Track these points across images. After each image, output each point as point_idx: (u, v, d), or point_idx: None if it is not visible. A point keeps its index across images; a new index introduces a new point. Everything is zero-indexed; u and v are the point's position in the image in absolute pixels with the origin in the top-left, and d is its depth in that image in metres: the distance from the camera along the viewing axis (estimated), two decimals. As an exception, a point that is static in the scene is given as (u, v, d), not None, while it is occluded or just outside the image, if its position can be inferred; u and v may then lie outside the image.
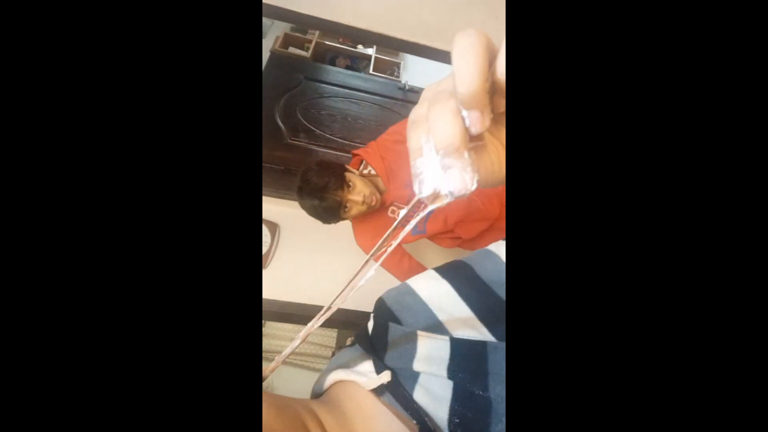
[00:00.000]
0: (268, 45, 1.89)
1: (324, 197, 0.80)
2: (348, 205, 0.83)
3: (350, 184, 0.83)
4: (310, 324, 0.30)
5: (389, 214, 0.91)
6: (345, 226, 0.99)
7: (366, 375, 0.35)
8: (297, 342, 0.30)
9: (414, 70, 2.06)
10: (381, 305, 0.41)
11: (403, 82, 1.80)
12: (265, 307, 1.00)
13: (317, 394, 0.39)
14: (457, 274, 0.40)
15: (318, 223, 0.86)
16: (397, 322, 0.38)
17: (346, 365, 0.38)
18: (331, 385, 0.38)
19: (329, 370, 0.39)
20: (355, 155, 0.92)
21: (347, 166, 0.89)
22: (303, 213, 0.84)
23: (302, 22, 0.75)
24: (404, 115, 1.63)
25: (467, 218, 0.91)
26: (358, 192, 0.82)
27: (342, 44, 1.96)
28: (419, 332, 0.37)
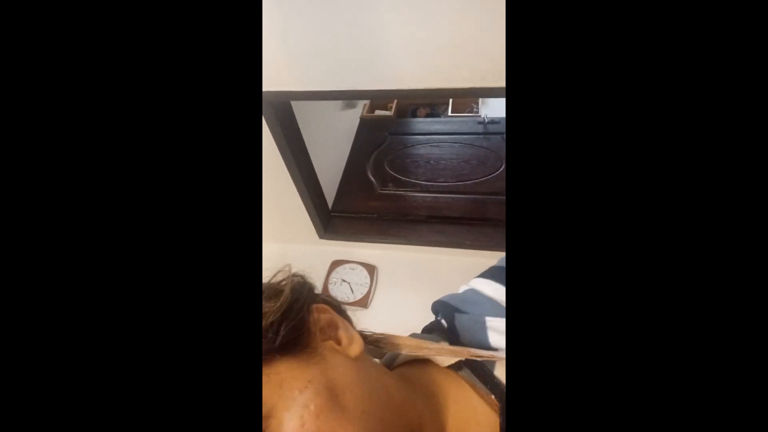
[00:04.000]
0: (358, 113, 2.15)
1: None
2: None
3: None
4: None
5: None
6: (436, 268, 1.05)
7: None
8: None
9: (493, 103, 2.10)
10: (441, 304, 0.43)
11: (482, 116, 1.85)
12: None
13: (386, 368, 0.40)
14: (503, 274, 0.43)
15: (412, 265, 0.92)
16: (462, 313, 0.40)
17: None
18: (402, 363, 0.40)
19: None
20: None
21: None
22: (397, 255, 0.92)
23: (370, 97, 0.87)
24: (485, 147, 1.67)
25: None
26: None
27: (422, 96, 2.12)
28: (487, 318, 0.38)
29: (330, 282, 1.28)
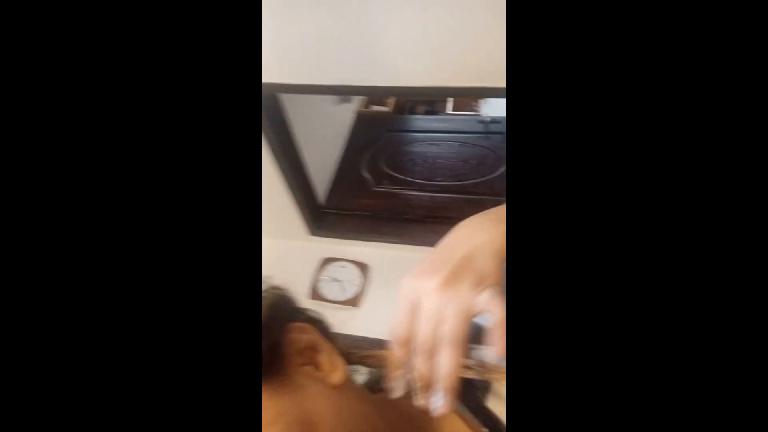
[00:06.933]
0: (354, 107, 2.11)
1: None
2: None
3: None
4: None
5: None
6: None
7: None
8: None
9: (495, 102, 2.07)
10: None
11: (483, 115, 1.82)
12: (355, 343, 1.09)
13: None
14: None
15: (406, 265, 0.90)
16: None
17: None
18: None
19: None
20: None
21: None
22: (391, 254, 0.89)
23: (365, 93, 0.84)
24: (485, 146, 1.64)
25: None
26: None
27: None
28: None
29: (320, 280, 1.25)
